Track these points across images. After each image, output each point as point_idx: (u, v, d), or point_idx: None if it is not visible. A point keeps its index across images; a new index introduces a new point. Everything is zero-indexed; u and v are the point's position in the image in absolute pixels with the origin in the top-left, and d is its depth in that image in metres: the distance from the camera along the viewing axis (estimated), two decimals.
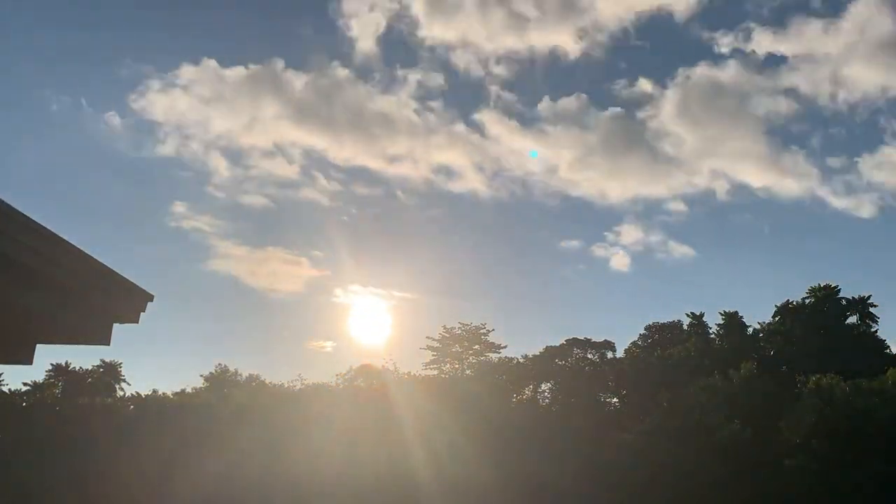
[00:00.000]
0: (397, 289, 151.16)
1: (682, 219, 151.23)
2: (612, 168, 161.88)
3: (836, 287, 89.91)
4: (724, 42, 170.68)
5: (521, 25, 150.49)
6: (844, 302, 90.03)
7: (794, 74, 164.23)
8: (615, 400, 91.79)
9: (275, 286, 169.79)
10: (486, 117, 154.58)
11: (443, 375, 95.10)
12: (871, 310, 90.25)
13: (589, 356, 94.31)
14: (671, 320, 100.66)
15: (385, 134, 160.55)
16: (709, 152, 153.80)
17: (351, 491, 67.19)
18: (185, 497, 69.26)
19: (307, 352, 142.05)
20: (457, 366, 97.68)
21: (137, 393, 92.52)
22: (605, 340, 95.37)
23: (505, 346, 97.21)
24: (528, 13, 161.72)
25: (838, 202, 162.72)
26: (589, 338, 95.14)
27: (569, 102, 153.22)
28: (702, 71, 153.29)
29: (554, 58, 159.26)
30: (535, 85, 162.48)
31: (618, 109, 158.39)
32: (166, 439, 75.08)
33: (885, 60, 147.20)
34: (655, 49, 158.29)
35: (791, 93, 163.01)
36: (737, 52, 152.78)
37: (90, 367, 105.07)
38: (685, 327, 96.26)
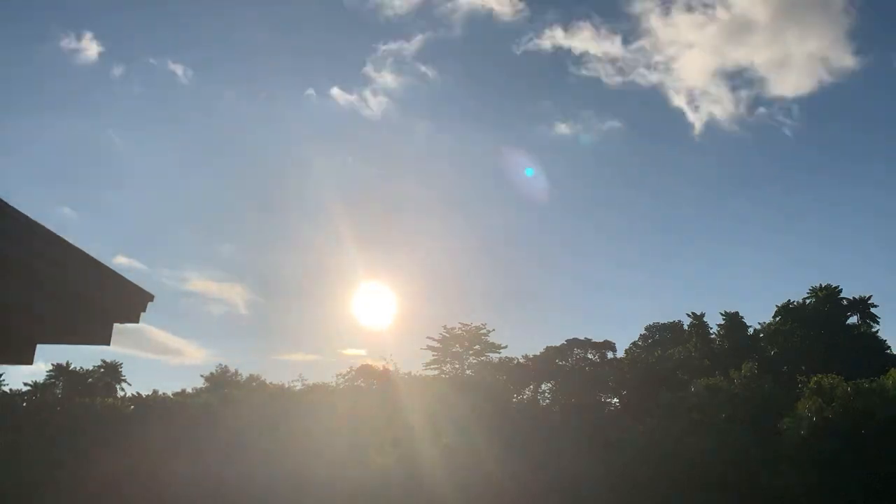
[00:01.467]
0: None
1: None
2: None
3: (836, 287, 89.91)
4: None
5: None
6: (845, 302, 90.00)
7: None
8: (615, 400, 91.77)
9: None
10: None
11: (443, 375, 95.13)
12: (872, 310, 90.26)
13: (589, 356, 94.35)
14: (672, 320, 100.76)
15: None
16: None
17: (351, 491, 67.15)
18: (185, 497, 69.24)
19: None
20: (457, 366, 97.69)
21: (138, 393, 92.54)
22: (606, 340, 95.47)
23: (505, 346, 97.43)
24: None
25: None
26: (589, 338, 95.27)
27: None
28: None
29: None
30: None
31: None
32: (167, 439, 75.05)
33: None
34: None
35: None
36: None
37: (90, 368, 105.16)
38: (686, 327, 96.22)
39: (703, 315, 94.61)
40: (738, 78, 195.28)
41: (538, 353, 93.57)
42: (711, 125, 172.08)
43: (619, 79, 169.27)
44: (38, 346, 6.04)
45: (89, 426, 76.94)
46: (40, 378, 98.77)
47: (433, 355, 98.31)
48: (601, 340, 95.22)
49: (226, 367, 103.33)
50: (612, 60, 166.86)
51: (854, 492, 58.39)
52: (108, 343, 5.91)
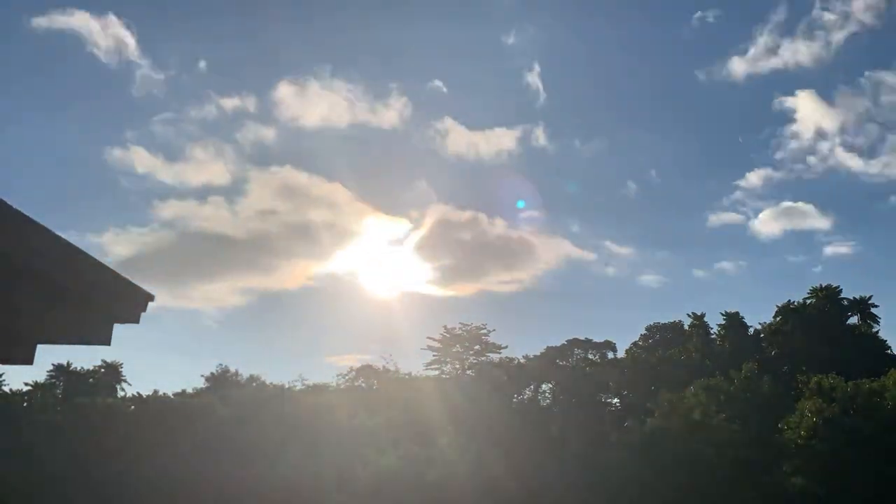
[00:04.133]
0: None
1: None
2: None
3: (837, 287, 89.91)
4: None
5: None
6: (845, 302, 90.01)
7: None
8: (616, 400, 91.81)
9: None
10: None
11: (444, 376, 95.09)
12: (872, 310, 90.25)
13: (590, 356, 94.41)
14: (672, 321, 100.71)
15: None
16: None
17: (351, 490, 67.17)
18: (185, 497, 69.25)
19: None
20: (458, 366, 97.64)
21: (138, 393, 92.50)
22: (606, 341, 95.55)
23: (505, 347, 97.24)
24: None
25: None
26: (590, 338, 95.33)
27: None
28: None
29: None
30: None
31: None
32: (167, 439, 75.03)
33: None
34: None
35: None
36: None
37: (90, 368, 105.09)
38: (686, 328, 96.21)
39: (703, 315, 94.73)
40: None
41: (538, 353, 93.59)
42: None
43: None
44: (38, 346, 6.04)
45: (89, 426, 76.95)
46: (40, 378, 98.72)
47: (433, 355, 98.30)
48: (601, 340, 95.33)
49: (226, 367, 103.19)
50: None
51: (854, 492, 58.38)
52: (108, 343, 5.90)
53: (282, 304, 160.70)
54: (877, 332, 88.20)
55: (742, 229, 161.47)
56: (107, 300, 5.59)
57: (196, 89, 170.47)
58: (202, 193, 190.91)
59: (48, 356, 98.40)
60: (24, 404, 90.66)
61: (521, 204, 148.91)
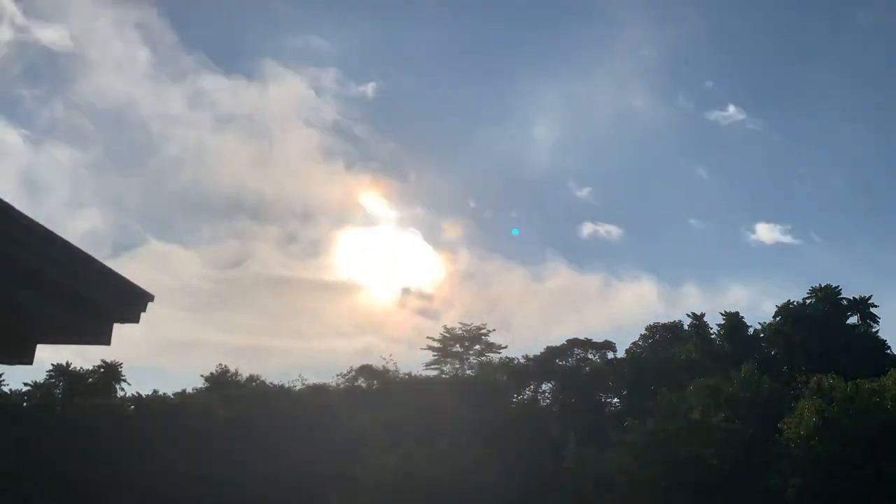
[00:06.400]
0: None
1: None
2: None
3: (836, 287, 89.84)
4: None
5: None
6: (845, 302, 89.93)
7: None
8: (615, 400, 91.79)
9: None
10: None
11: (444, 375, 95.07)
12: (872, 310, 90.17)
13: (589, 356, 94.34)
14: (672, 320, 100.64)
15: None
16: None
17: (351, 490, 67.17)
18: (185, 497, 69.25)
19: None
20: (457, 366, 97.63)
21: (138, 393, 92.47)
22: (606, 341, 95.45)
23: (505, 346, 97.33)
24: None
25: None
26: (589, 338, 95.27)
27: None
28: None
29: None
30: None
31: None
32: (166, 440, 75.01)
33: None
34: None
35: None
36: None
37: (90, 368, 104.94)
38: (686, 328, 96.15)
39: (703, 315, 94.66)
40: None
41: (538, 353, 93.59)
42: None
43: None
44: (38, 346, 6.04)
45: (89, 426, 76.91)
46: (40, 378, 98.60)
47: (433, 355, 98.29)
48: (601, 340, 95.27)
49: (226, 366, 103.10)
50: None
51: (854, 492, 58.33)
52: (108, 343, 5.90)
53: None
54: (877, 332, 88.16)
55: None
56: (107, 300, 5.59)
57: None
58: None
59: (48, 356, 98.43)
60: (24, 404, 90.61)
61: (515, 232, 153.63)
